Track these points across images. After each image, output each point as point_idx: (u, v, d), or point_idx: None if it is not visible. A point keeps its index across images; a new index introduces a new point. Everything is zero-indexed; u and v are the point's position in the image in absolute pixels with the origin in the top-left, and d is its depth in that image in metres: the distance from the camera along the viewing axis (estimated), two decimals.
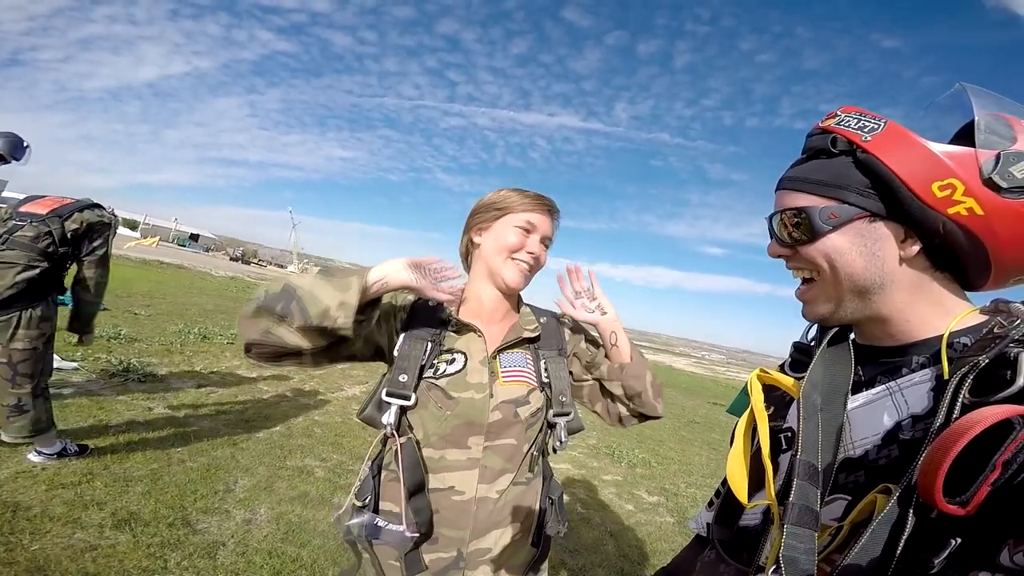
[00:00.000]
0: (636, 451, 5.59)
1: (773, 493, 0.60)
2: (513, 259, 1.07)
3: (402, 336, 1.03)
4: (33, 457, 2.46)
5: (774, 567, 0.55)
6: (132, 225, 55.06)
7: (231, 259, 48.94)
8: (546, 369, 1.08)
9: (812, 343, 0.74)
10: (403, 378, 0.98)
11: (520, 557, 1.04)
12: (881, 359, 0.62)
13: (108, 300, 6.94)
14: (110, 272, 2.70)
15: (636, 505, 4.01)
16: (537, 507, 1.05)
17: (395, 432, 0.96)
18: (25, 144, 2.72)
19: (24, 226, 2.37)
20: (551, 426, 1.07)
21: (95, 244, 2.55)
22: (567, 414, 1.07)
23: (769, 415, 0.66)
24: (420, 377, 0.99)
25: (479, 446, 0.97)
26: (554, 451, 1.11)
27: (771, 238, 0.66)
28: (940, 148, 0.53)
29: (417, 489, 0.96)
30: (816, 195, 0.59)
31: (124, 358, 4.54)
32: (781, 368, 0.77)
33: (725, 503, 0.77)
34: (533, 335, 1.09)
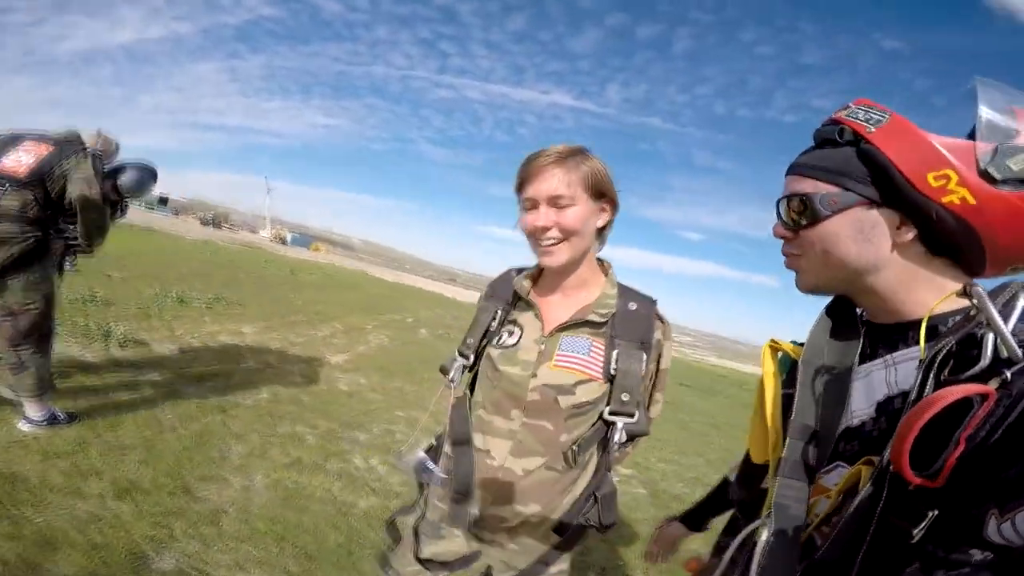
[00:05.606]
0: None
1: (777, 452, 0.67)
2: (537, 244, 0.99)
3: (482, 301, 1.11)
4: (23, 426, 2.44)
5: (767, 512, 0.61)
6: None
7: (202, 223, 47.13)
8: (616, 360, 0.97)
9: None
10: (470, 340, 1.07)
11: (540, 539, 1.04)
12: (883, 333, 0.66)
13: (79, 262, 6.65)
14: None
15: None
16: (570, 500, 1.02)
17: (450, 385, 1.06)
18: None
19: (6, 192, 2.28)
20: (608, 423, 0.98)
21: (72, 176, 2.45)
22: (629, 415, 0.96)
23: (784, 381, 0.73)
24: (483, 342, 1.06)
25: (519, 420, 0.99)
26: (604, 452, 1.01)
27: (777, 219, 0.70)
28: (940, 140, 0.56)
29: (461, 441, 1.03)
30: (820, 181, 0.63)
31: (103, 322, 4.44)
32: None
33: (745, 464, 0.89)
34: (599, 320, 1.00)
